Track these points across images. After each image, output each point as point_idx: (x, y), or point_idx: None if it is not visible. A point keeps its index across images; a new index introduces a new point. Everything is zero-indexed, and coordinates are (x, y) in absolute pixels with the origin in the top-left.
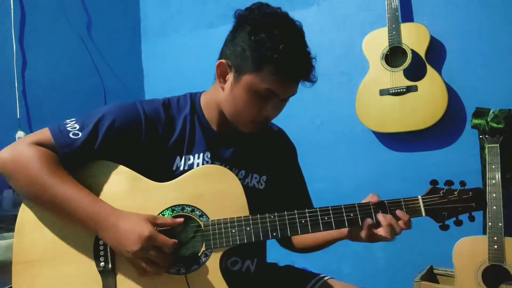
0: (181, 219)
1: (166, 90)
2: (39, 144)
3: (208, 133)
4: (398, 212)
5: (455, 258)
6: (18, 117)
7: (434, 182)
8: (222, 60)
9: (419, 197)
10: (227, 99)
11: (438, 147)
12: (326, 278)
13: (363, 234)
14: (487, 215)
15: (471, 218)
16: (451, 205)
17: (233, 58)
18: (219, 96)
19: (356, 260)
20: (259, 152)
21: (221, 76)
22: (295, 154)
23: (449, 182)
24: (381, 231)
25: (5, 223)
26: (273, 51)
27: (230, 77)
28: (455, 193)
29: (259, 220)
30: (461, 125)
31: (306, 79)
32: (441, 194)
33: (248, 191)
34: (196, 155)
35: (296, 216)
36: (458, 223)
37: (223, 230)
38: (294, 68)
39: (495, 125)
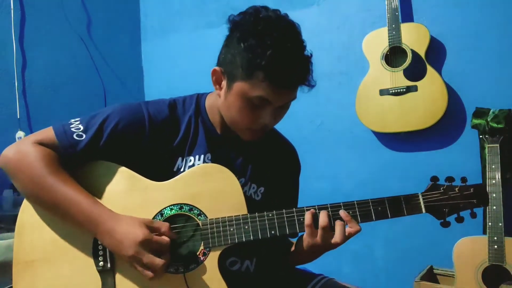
0: (174, 235)
1: (166, 90)
2: (43, 143)
3: (211, 135)
4: (341, 212)
5: (455, 258)
6: (18, 117)
7: (434, 179)
8: (216, 68)
9: (419, 193)
10: (223, 106)
11: (438, 147)
12: (326, 278)
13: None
14: (487, 215)
15: (473, 215)
16: (451, 202)
17: (225, 65)
18: (218, 101)
19: (356, 260)
20: (262, 163)
21: (217, 83)
22: (297, 174)
23: (450, 179)
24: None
25: (5, 223)
26: (261, 58)
27: (224, 84)
28: (456, 189)
29: (257, 218)
30: (461, 125)
31: (300, 84)
32: (442, 191)
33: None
34: (197, 156)
35: (295, 214)
36: (460, 219)
37: (221, 228)
38: (284, 74)
39: (495, 125)
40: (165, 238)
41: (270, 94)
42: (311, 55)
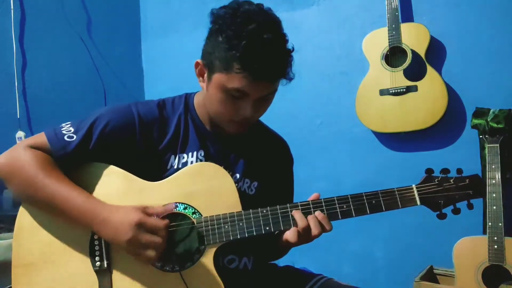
0: (166, 221)
1: (166, 90)
2: (35, 147)
3: (201, 132)
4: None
5: (455, 258)
6: (18, 117)
7: (429, 171)
8: (198, 60)
9: (413, 185)
10: (206, 99)
11: (438, 147)
12: (326, 278)
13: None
14: (487, 215)
15: (469, 206)
16: (447, 193)
17: (206, 57)
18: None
19: (356, 260)
20: (255, 158)
21: (200, 75)
22: (291, 167)
23: (445, 170)
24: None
25: (5, 223)
26: (237, 49)
27: (206, 76)
28: (451, 180)
29: (251, 215)
30: (461, 125)
31: (277, 77)
32: (436, 182)
33: (239, 195)
34: (190, 154)
35: (289, 209)
36: (456, 211)
37: (216, 226)
38: (260, 65)
39: (495, 125)
40: (161, 220)
41: (246, 86)
42: (293, 49)
